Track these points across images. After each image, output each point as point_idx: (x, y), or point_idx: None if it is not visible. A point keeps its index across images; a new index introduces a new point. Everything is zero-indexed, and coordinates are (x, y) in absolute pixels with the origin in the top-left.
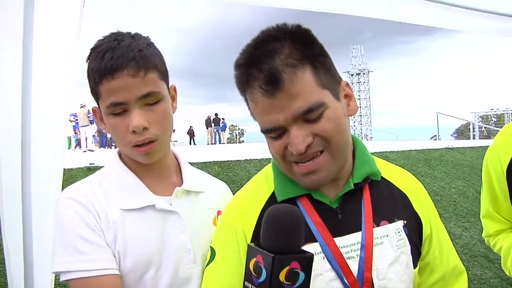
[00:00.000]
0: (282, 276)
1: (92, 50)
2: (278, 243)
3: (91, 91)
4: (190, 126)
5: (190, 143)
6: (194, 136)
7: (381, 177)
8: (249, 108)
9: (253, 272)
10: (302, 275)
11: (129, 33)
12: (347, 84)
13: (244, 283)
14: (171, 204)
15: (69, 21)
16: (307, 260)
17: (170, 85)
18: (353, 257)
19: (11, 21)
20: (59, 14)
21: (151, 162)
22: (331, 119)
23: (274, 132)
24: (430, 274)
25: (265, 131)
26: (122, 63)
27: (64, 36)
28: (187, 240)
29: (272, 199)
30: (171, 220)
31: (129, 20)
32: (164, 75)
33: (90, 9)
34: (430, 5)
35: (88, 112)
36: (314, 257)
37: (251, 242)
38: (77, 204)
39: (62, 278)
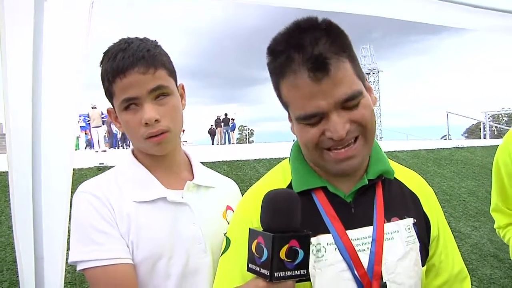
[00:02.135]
0: (282, 254)
1: (105, 54)
2: (276, 223)
3: (105, 92)
4: (211, 125)
5: (213, 143)
6: (215, 135)
7: (394, 177)
8: (281, 96)
9: (255, 253)
10: (301, 253)
11: (138, 37)
12: (366, 79)
13: (248, 265)
14: (182, 197)
15: (78, 22)
16: (305, 238)
17: (179, 84)
18: (364, 250)
19: (21, 23)
20: (68, 16)
21: (163, 153)
22: (367, 107)
23: (313, 119)
24: (435, 277)
25: (303, 117)
26: (133, 62)
27: (73, 38)
28: (198, 231)
29: None
30: (182, 212)
31: (139, 21)
32: (172, 73)
33: (100, 10)
34: (439, 4)
35: (102, 113)
36: (327, 247)
37: None
38: (92, 197)
39: (79, 267)
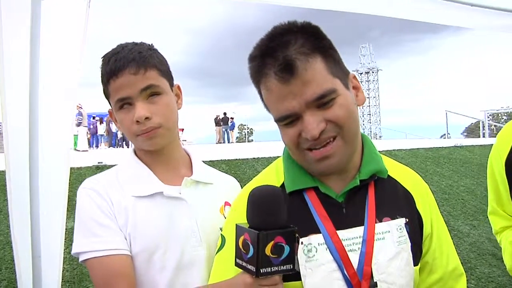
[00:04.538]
0: (268, 250)
1: (102, 58)
2: (261, 220)
3: (103, 93)
4: None
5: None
6: None
7: (388, 175)
8: (262, 100)
9: (242, 249)
10: (287, 248)
11: (134, 42)
12: (355, 77)
13: (235, 260)
14: (180, 193)
15: (75, 21)
16: (291, 234)
17: (175, 84)
18: (355, 250)
19: (18, 23)
20: (65, 15)
21: (155, 148)
22: (343, 106)
23: (288, 119)
24: (429, 274)
25: (279, 119)
26: (124, 64)
27: (71, 37)
28: (193, 225)
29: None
30: (179, 206)
31: (139, 20)
32: (165, 73)
33: (99, 10)
34: (438, 3)
35: (77, 114)
36: (318, 247)
37: None
38: (93, 192)
39: (80, 258)
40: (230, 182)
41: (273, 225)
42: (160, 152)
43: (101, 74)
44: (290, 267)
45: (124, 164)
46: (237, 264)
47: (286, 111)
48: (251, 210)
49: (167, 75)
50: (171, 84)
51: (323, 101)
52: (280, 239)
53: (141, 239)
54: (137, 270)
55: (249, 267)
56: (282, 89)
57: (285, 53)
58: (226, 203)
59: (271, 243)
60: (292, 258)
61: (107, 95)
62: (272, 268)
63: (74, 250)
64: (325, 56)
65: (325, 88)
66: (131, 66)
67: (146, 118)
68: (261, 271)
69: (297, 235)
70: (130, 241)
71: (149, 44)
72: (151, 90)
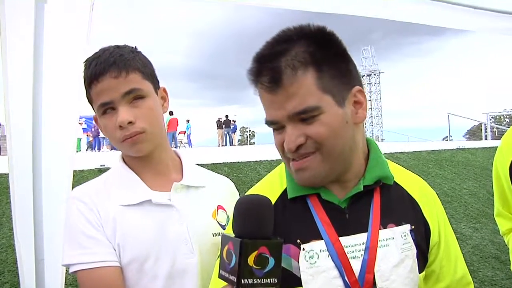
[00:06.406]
0: (251, 260)
1: (84, 62)
2: (246, 229)
3: (87, 98)
4: None
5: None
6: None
7: (394, 181)
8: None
9: (225, 259)
10: (271, 260)
11: (117, 45)
12: (360, 91)
13: (219, 272)
14: (169, 199)
15: (79, 24)
16: (276, 245)
17: (160, 87)
18: (357, 257)
19: (22, 25)
20: (69, 18)
21: (140, 154)
22: (325, 124)
23: (275, 125)
24: (436, 283)
25: (267, 123)
26: (104, 68)
27: (74, 39)
28: (184, 232)
29: (283, 195)
30: (169, 213)
31: (140, 21)
32: (148, 76)
33: (101, 11)
34: (439, 5)
35: None
36: (319, 254)
37: None
38: (81, 203)
39: (70, 270)
40: (224, 184)
41: (259, 234)
42: (148, 157)
43: (83, 79)
44: (274, 281)
45: (112, 171)
46: (220, 276)
47: (271, 118)
48: (237, 219)
49: (151, 77)
50: (156, 87)
51: (303, 117)
52: (264, 250)
53: (131, 249)
54: (128, 280)
55: (231, 277)
56: (269, 98)
57: (275, 64)
58: (219, 207)
59: (255, 253)
60: (277, 272)
61: (90, 100)
62: (254, 280)
63: (64, 261)
64: (320, 69)
65: (306, 105)
66: (112, 70)
67: (129, 122)
68: (242, 282)
69: (298, 240)
70: (119, 251)
71: (132, 47)
72: (134, 94)
